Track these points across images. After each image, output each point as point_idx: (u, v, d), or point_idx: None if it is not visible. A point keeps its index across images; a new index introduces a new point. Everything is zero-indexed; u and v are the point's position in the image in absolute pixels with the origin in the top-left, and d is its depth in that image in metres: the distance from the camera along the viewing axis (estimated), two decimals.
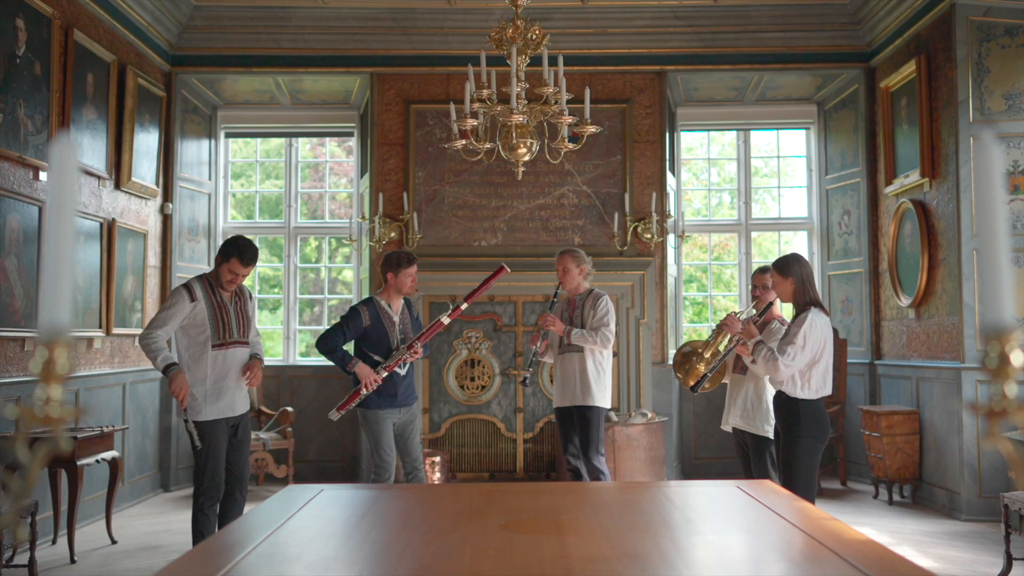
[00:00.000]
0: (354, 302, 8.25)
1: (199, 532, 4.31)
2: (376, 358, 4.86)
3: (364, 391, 4.75)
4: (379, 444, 4.85)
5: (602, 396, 5.14)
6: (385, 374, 4.78)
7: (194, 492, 4.38)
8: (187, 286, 4.36)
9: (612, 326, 5.15)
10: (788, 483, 4.04)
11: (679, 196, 8.08)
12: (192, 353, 4.35)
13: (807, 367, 4.07)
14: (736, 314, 4.54)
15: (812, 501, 4.04)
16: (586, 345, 5.09)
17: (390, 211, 7.39)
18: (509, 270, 5.12)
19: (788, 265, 4.19)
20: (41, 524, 5.01)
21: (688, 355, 4.87)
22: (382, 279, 4.99)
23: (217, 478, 4.35)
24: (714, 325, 4.94)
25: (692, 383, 4.72)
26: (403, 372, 4.90)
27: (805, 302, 4.15)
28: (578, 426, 5.14)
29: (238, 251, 4.33)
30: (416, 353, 4.86)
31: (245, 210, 9.32)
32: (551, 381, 7.28)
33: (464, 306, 4.97)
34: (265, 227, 8.66)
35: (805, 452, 4.09)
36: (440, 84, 7.49)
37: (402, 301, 5.01)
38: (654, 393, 7.29)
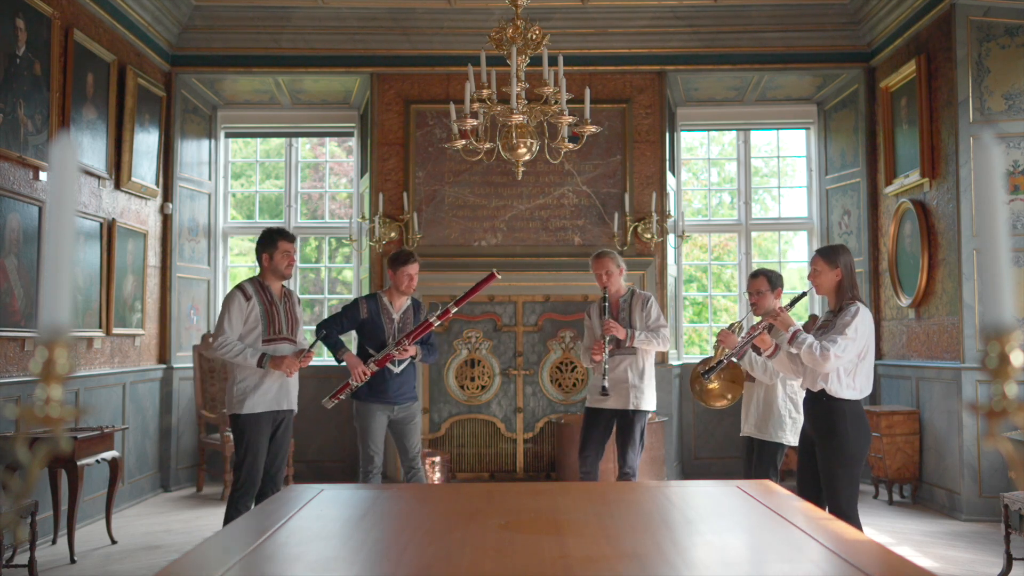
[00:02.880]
0: None
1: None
2: (371, 351, 4.92)
3: (352, 382, 4.83)
4: (364, 436, 4.93)
5: (651, 399, 5.15)
6: (375, 368, 4.81)
7: (231, 486, 4.50)
8: (240, 287, 4.61)
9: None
10: (833, 497, 3.71)
11: (679, 196, 8.08)
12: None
13: (853, 363, 3.77)
14: (732, 327, 4.54)
15: (857, 518, 3.71)
16: (651, 348, 5.07)
17: (390, 211, 7.39)
18: (499, 276, 4.97)
19: (836, 254, 3.89)
20: (41, 524, 5.01)
21: (694, 379, 4.91)
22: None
23: (254, 474, 4.46)
24: (721, 326, 4.98)
25: (710, 387, 4.72)
26: (396, 370, 4.91)
27: (850, 296, 3.85)
28: (621, 429, 5.11)
29: (277, 233, 4.68)
30: (406, 351, 4.84)
31: (245, 210, 9.32)
32: (551, 381, 7.31)
33: (453, 310, 4.93)
34: (265, 227, 8.63)
35: (852, 461, 3.71)
36: (440, 84, 7.49)
37: (408, 302, 5.05)
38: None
